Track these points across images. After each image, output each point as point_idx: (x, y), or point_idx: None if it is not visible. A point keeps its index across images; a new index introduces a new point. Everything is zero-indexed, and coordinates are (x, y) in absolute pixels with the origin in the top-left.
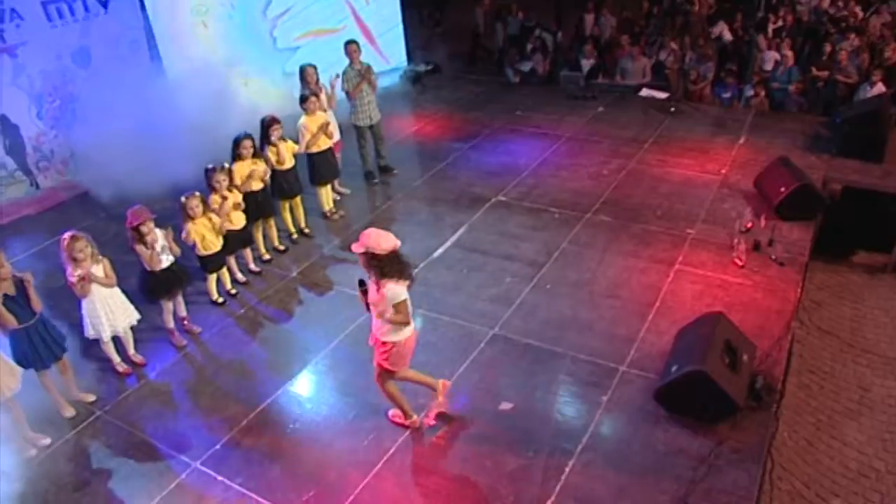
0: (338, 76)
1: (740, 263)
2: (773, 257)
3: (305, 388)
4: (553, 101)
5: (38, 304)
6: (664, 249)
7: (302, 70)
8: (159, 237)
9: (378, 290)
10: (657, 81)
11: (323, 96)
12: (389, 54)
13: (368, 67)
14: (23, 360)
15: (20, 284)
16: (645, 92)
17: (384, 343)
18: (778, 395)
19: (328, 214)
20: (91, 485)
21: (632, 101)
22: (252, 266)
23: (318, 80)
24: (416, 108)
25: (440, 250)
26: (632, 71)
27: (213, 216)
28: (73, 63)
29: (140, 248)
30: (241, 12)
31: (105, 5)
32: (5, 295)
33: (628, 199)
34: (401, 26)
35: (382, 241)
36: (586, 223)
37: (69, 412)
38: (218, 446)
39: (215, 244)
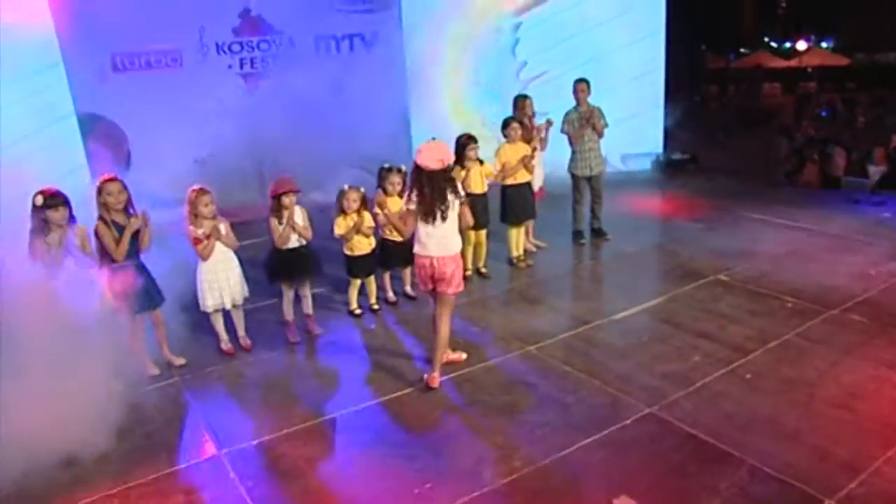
0: (550, 122)
1: None
2: None
3: (378, 415)
4: (826, 202)
5: (143, 246)
6: None
7: (517, 100)
8: (297, 215)
9: None
10: None
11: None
12: (645, 138)
13: (594, 111)
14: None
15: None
16: None
17: None
18: None
19: (515, 261)
20: (121, 440)
21: None
22: (408, 289)
23: (533, 114)
24: (658, 190)
25: (623, 313)
26: None
27: (367, 216)
28: (328, 91)
29: (273, 221)
30: (492, 70)
31: (368, 47)
32: (115, 223)
33: None
34: (661, 111)
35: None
36: (829, 319)
37: (153, 370)
38: (253, 442)
39: (364, 246)
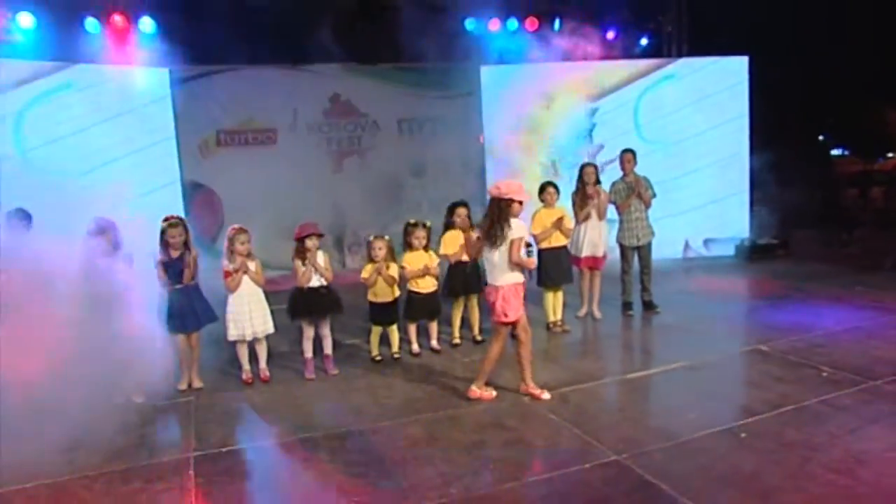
0: (599, 192)
1: None
2: None
3: (350, 441)
4: None
5: (188, 277)
6: None
7: (582, 167)
8: (319, 257)
9: None
10: None
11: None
12: (728, 223)
13: (639, 180)
14: (166, 320)
15: (183, 255)
16: None
17: None
18: None
19: (551, 326)
20: (120, 437)
21: None
22: (434, 343)
23: (597, 181)
24: (735, 273)
25: (637, 374)
26: None
27: (394, 266)
28: (408, 169)
29: (297, 262)
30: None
31: (448, 130)
32: (169, 258)
33: None
34: (746, 195)
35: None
36: (866, 389)
37: (182, 385)
38: (223, 449)
39: (387, 294)
